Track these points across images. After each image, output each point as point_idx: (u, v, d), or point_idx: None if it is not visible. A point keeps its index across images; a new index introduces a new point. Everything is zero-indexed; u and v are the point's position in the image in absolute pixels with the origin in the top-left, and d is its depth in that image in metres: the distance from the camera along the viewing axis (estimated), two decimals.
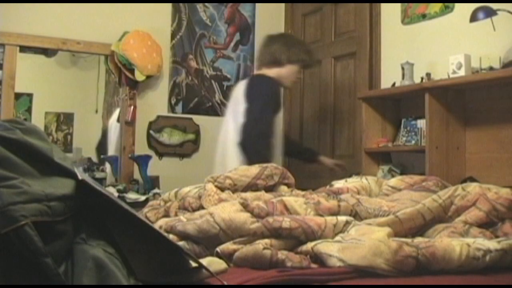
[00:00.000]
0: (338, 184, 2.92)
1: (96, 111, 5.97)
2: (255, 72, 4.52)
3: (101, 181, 5.28)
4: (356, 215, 2.37)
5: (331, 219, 2.13)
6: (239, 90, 4.44)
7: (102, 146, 5.87)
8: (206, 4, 6.05)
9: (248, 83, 4.44)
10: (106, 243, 1.51)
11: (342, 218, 2.17)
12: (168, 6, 5.86)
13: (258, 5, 6.33)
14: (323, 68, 5.90)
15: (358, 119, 5.23)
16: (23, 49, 5.23)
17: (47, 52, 5.52)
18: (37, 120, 5.57)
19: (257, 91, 4.30)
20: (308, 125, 6.07)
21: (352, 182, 2.90)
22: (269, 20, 6.39)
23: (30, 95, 5.61)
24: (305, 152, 5.15)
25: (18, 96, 5.32)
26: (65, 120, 5.85)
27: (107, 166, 5.61)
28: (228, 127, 4.43)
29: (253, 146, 4.14)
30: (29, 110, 5.61)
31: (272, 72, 4.44)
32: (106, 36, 5.43)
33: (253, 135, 4.13)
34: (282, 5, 6.44)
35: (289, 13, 6.40)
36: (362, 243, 1.86)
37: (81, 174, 1.55)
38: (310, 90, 6.07)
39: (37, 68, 5.68)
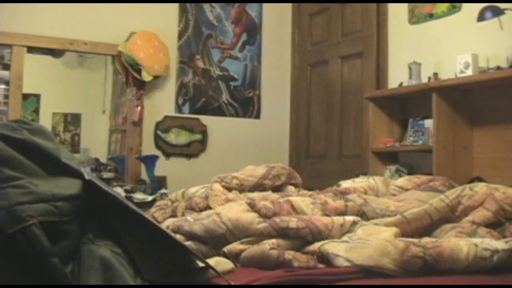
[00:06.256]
0: (345, 184, 2.92)
1: (103, 112, 5.98)
2: None
3: (108, 181, 5.28)
4: (363, 215, 2.37)
5: (338, 219, 2.13)
6: None
7: None
8: (213, 4, 6.05)
9: None
10: (113, 243, 1.51)
11: (349, 218, 2.16)
12: (175, 7, 5.87)
13: (265, 5, 6.33)
14: (330, 68, 5.89)
15: (365, 119, 5.22)
16: (31, 49, 5.24)
17: (54, 52, 5.54)
18: (45, 120, 5.59)
19: None
20: (315, 126, 6.07)
21: (359, 182, 2.90)
22: (276, 20, 6.39)
23: (37, 96, 5.63)
24: None
25: (25, 96, 5.33)
26: (72, 120, 5.87)
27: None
28: None
29: None
30: (36, 110, 5.63)
31: None
32: (113, 37, 5.44)
33: None
34: (289, 5, 6.44)
35: (296, 13, 6.40)
36: (369, 243, 1.86)
37: (88, 174, 1.55)
38: (317, 90, 6.06)
39: (45, 68, 5.70)
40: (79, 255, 1.44)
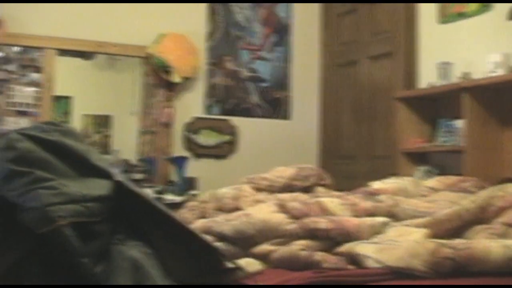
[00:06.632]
0: (375, 185, 2.91)
1: (133, 113, 6.01)
2: None
3: (138, 182, 5.30)
4: (393, 216, 2.36)
5: (367, 220, 2.12)
6: None
7: None
8: (242, 5, 6.05)
9: None
10: (143, 243, 1.52)
11: (379, 219, 2.16)
12: (204, 8, 5.88)
13: (293, 5, 6.32)
14: (358, 69, 5.87)
15: (394, 120, 5.18)
16: (61, 52, 5.29)
17: (84, 55, 5.58)
18: (76, 122, 5.63)
19: None
20: (344, 126, 6.04)
21: (389, 183, 2.88)
22: (304, 21, 6.38)
23: (68, 98, 5.68)
24: None
25: (56, 99, 5.38)
26: (102, 122, 5.91)
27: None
28: None
29: None
30: (67, 112, 5.67)
31: None
32: (142, 39, 5.47)
33: None
34: (318, 5, 6.41)
35: (325, 14, 6.38)
36: (399, 244, 1.85)
37: (118, 176, 1.56)
38: (346, 91, 6.04)
39: (75, 71, 5.75)
40: (109, 255, 1.45)
